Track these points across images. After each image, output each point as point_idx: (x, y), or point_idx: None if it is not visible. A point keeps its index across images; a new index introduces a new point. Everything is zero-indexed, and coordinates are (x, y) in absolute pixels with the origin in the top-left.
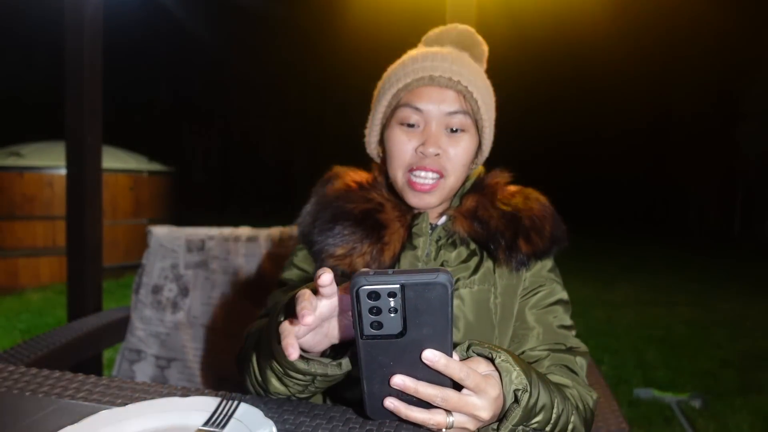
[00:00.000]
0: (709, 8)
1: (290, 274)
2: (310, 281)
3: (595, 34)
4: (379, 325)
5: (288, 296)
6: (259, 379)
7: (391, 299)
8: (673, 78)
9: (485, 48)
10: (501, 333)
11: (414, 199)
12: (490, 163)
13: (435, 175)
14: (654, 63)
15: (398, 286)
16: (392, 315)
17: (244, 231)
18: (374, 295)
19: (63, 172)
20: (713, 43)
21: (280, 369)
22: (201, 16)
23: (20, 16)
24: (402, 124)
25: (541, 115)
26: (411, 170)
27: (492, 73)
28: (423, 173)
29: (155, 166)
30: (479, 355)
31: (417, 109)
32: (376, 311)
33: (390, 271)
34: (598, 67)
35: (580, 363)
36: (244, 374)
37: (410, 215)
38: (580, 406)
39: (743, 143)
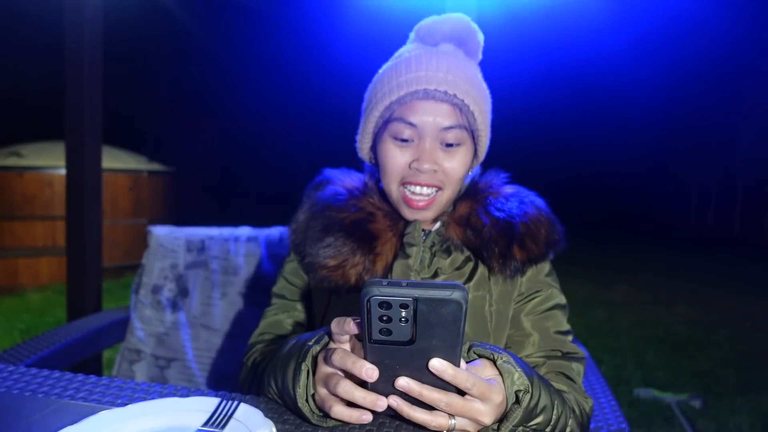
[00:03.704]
0: (710, 8)
1: (281, 286)
2: (298, 293)
3: (596, 33)
4: (387, 332)
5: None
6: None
7: (402, 310)
8: (674, 77)
9: (481, 38)
10: (496, 341)
11: (410, 215)
12: (486, 161)
13: (431, 190)
14: (654, 61)
15: (411, 299)
16: (402, 324)
17: (244, 231)
18: (385, 305)
19: (63, 172)
20: (714, 41)
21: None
22: (201, 16)
23: (20, 16)
24: (395, 138)
25: (540, 113)
26: (405, 184)
27: (491, 69)
28: (418, 188)
29: (155, 166)
30: (480, 356)
31: (411, 124)
32: (386, 319)
33: (404, 282)
34: (598, 66)
35: (577, 369)
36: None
37: (402, 223)
38: (577, 411)
39: (743, 143)
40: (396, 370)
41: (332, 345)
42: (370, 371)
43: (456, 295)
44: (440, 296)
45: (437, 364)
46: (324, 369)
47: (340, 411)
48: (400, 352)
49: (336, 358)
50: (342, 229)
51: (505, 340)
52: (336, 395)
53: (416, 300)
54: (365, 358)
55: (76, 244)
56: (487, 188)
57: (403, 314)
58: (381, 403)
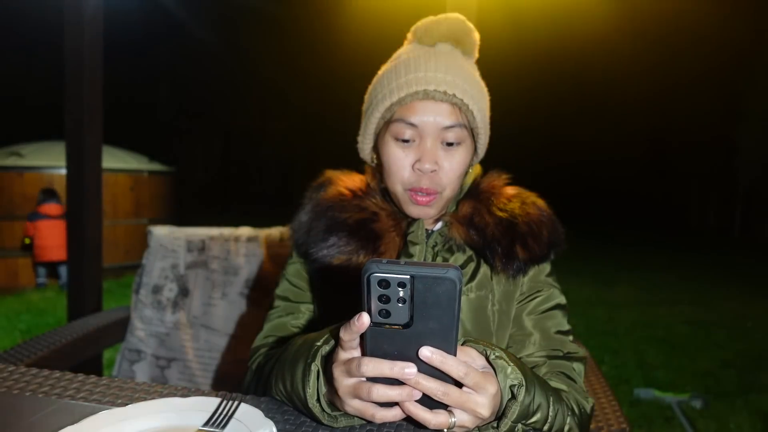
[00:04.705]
0: (710, 8)
1: (284, 288)
2: (301, 295)
3: (596, 33)
4: (386, 314)
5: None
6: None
7: (400, 289)
8: (674, 77)
9: (477, 37)
10: (498, 340)
11: (414, 211)
12: (488, 162)
13: (433, 194)
14: (655, 62)
15: (408, 276)
16: (400, 305)
17: (244, 231)
18: (384, 283)
19: (63, 172)
20: (714, 42)
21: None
22: (201, 16)
23: (20, 16)
24: (397, 139)
25: (540, 112)
26: (410, 189)
27: (492, 70)
28: (420, 193)
29: (155, 166)
30: None
31: (411, 125)
32: (385, 299)
33: (402, 261)
34: (599, 65)
35: (578, 369)
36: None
37: (405, 223)
38: (576, 410)
39: (743, 143)
40: (394, 358)
41: (343, 354)
42: (409, 368)
43: (451, 273)
44: (435, 274)
45: (426, 352)
46: (347, 381)
47: (393, 414)
48: (397, 335)
49: (369, 368)
50: (345, 229)
51: (508, 340)
52: (371, 401)
53: (413, 278)
54: (365, 342)
55: (76, 244)
56: (489, 189)
57: (401, 294)
58: (409, 370)
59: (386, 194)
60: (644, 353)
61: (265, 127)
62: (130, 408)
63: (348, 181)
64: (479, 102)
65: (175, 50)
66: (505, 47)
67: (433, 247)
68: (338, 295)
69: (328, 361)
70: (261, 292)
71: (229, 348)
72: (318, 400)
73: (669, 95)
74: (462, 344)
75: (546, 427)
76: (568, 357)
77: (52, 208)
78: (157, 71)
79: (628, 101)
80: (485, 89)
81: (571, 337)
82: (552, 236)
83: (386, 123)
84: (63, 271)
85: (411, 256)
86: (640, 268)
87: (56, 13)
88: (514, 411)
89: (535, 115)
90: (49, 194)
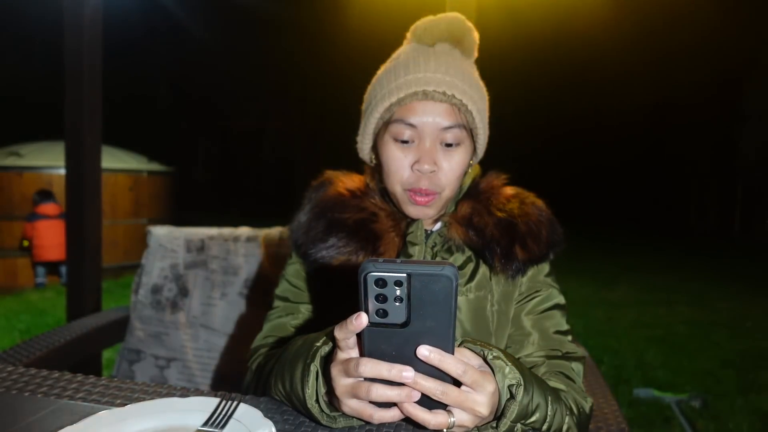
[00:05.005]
0: (710, 7)
1: (283, 288)
2: (301, 295)
3: (595, 33)
4: (384, 313)
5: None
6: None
7: (397, 288)
8: (674, 78)
9: (476, 36)
10: (497, 341)
11: (413, 211)
12: (487, 162)
13: (432, 195)
14: (654, 62)
15: (405, 275)
16: (397, 304)
17: (244, 231)
18: (381, 283)
19: (63, 172)
20: (714, 42)
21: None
22: (201, 15)
23: (20, 15)
24: (396, 140)
25: (540, 113)
26: (409, 189)
27: (491, 69)
28: (419, 195)
29: (155, 166)
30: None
31: (411, 125)
32: (382, 299)
33: (398, 260)
34: (598, 66)
35: (577, 369)
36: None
37: (404, 223)
38: (575, 410)
39: (743, 143)
40: (392, 358)
41: (341, 354)
42: (407, 372)
43: (447, 270)
44: (431, 272)
45: (424, 351)
46: (345, 381)
47: (391, 415)
48: (395, 335)
49: (367, 369)
50: (345, 230)
51: (507, 340)
52: (370, 401)
53: (409, 276)
54: (363, 343)
55: (76, 244)
56: (488, 189)
57: (398, 293)
58: (407, 374)
59: (385, 194)
60: (643, 353)
61: (265, 127)
62: (129, 408)
63: (347, 182)
64: (478, 102)
65: (175, 50)
66: (504, 47)
67: (432, 247)
68: (338, 296)
69: (328, 361)
70: (260, 292)
71: (229, 348)
72: (317, 400)
73: (669, 95)
74: (459, 345)
75: (545, 427)
76: (567, 357)
77: (49, 207)
78: (157, 71)
79: (628, 101)
80: (484, 89)
81: (569, 337)
82: (551, 236)
83: (385, 123)
84: (64, 269)
85: (410, 256)
86: (640, 269)
87: (56, 13)
88: (513, 411)
89: (534, 115)
90: (45, 195)
